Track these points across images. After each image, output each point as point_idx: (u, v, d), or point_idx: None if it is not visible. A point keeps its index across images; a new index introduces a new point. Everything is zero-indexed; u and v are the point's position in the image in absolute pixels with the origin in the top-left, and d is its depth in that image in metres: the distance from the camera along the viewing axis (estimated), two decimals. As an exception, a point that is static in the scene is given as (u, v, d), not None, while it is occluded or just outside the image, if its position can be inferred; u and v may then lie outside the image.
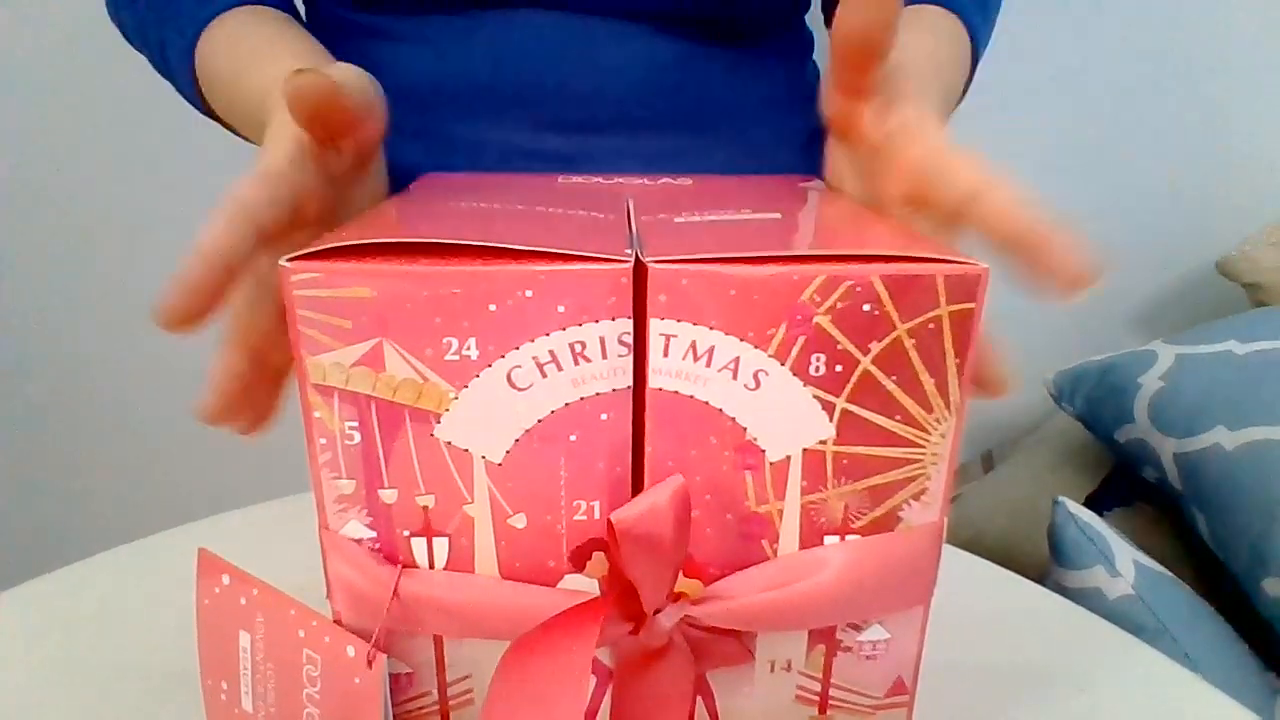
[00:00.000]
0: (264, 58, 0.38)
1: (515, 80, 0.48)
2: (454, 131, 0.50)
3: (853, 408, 0.24)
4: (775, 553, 0.26)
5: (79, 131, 0.91)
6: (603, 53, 0.48)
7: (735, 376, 0.24)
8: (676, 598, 0.26)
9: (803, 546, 0.26)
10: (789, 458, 0.25)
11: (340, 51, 0.52)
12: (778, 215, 0.29)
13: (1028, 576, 0.45)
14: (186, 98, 0.45)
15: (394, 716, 0.28)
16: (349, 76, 0.31)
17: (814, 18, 0.57)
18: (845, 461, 0.25)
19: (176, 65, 0.42)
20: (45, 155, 0.92)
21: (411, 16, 0.49)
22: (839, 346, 0.23)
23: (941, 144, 0.29)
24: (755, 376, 0.24)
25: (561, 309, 0.23)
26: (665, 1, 0.47)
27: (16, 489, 1.09)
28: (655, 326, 0.23)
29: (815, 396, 0.24)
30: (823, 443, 0.25)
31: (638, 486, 0.25)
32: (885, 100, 0.30)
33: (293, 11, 0.44)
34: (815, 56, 0.59)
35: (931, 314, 0.23)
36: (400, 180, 0.39)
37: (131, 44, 0.48)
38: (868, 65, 0.29)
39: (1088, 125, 0.95)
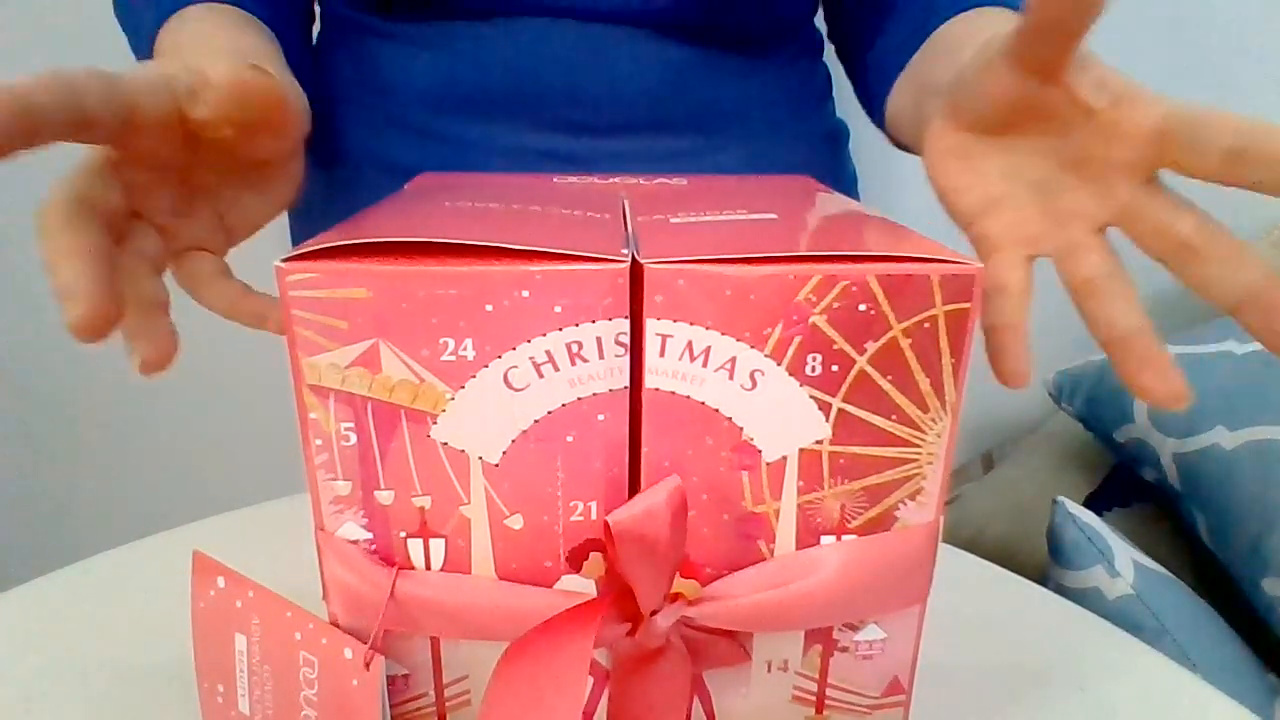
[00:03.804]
0: (199, 45, 0.37)
1: (526, 84, 0.48)
2: (465, 133, 0.50)
3: (849, 407, 0.24)
4: (772, 553, 0.26)
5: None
6: (613, 57, 0.48)
7: (732, 376, 0.24)
8: (673, 598, 0.26)
9: (799, 546, 0.26)
10: (785, 458, 0.25)
11: (353, 52, 0.52)
12: (773, 215, 0.29)
13: (1028, 576, 0.45)
14: None
15: (391, 718, 0.28)
16: (288, 84, 0.32)
17: (822, 20, 0.57)
18: (841, 461, 0.25)
19: (144, 52, 0.42)
20: (43, 154, 0.92)
21: (423, 22, 0.49)
22: (835, 346, 0.23)
23: (1178, 102, 0.27)
24: (752, 376, 0.24)
25: (558, 309, 0.23)
26: (673, 11, 0.47)
27: (16, 489, 1.09)
28: (652, 327, 0.23)
29: (811, 396, 0.24)
30: (819, 442, 0.25)
31: (634, 487, 0.25)
32: (1082, 67, 0.28)
33: (279, 19, 0.44)
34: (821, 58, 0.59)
35: (927, 314, 0.23)
36: (409, 180, 0.40)
37: (121, 27, 0.47)
38: (1074, 38, 0.26)
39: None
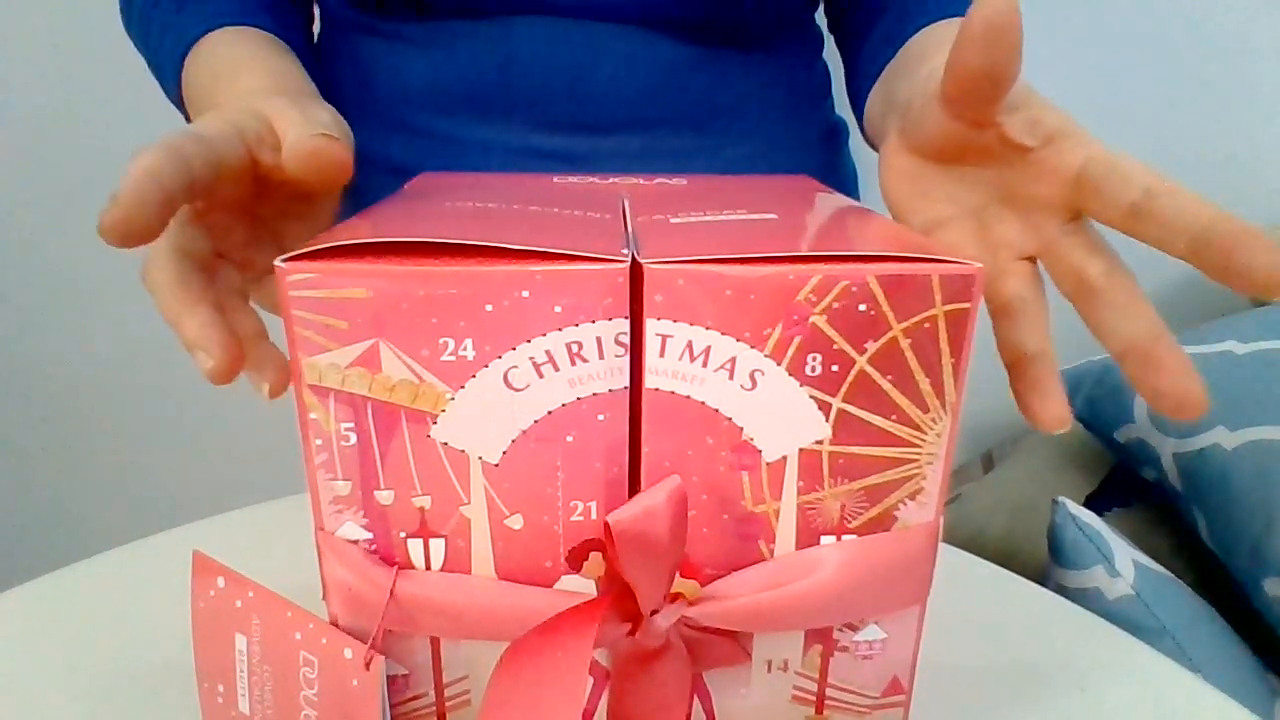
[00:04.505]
0: (238, 73, 0.39)
1: (525, 83, 0.48)
2: (462, 133, 0.50)
3: (849, 408, 0.24)
4: (772, 553, 0.26)
5: (78, 132, 0.91)
6: (611, 55, 0.48)
7: (731, 376, 0.24)
8: (673, 598, 0.26)
9: (799, 546, 0.26)
10: (785, 458, 0.25)
11: (350, 51, 0.52)
12: (773, 215, 0.29)
13: (1028, 576, 0.45)
14: (175, 105, 0.45)
15: (391, 718, 0.28)
16: (342, 132, 0.32)
17: (822, 17, 0.57)
18: (841, 461, 0.25)
19: (168, 75, 0.43)
20: (45, 155, 0.92)
21: (421, 22, 0.49)
22: (835, 346, 0.23)
23: (1105, 149, 0.28)
24: (751, 376, 0.24)
25: (558, 309, 0.23)
26: (672, 8, 0.47)
27: (16, 489, 1.09)
28: (651, 326, 0.23)
29: (811, 396, 0.24)
30: (819, 443, 0.25)
31: (634, 487, 0.25)
32: (1015, 107, 0.29)
33: (289, 29, 0.44)
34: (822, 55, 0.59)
35: (927, 314, 0.23)
36: (406, 180, 0.40)
37: (135, 45, 0.48)
38: (995, 97, 0.28)
39: (1086, 125, 0.95)
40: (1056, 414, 0.28)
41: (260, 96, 0.33)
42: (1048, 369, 0.28)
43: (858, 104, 0.48)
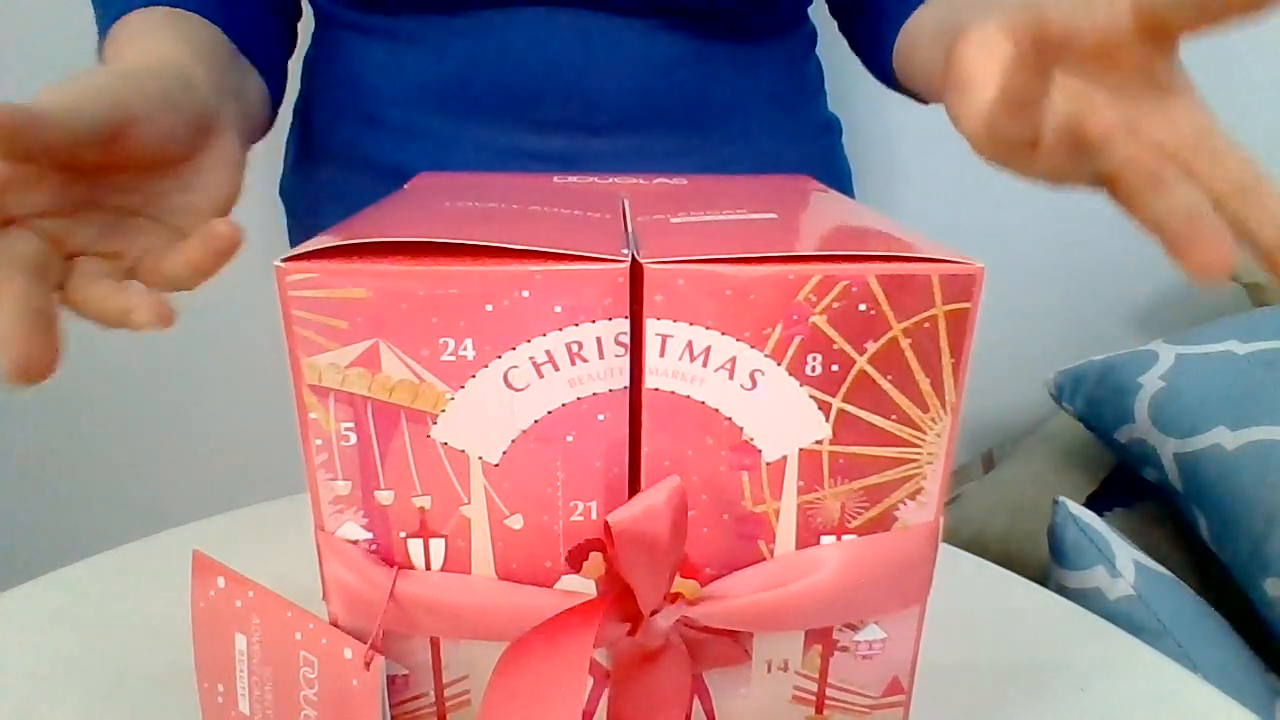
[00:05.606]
0: (117, 57, 0.37)
1: (519, 81, 0.48)
2: (454, 133, 0.50)
3: (849, 407, 0.24)
4: (772, 553, 0.26)
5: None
6: (606, 52, 0.47)
7: (731, 376, 0.24)
8: (673, 598, 0.26)
9: (799, 546, 0.26)
10: (785, 457, 0.25)
11: (338, 49, 0.52)
12: (773, 215, 0.29)
13: (1028, 576, 0.45)
14: None
15: (391, 718, 0.28)
16: (66, 106, 0.29)
17: (816, 11, 0.57)
18: (841, 461, 0.25)
19: (99, 50, 0.42)
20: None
21: (414, 16, 0.49)
22: (835, 346, 0.23)
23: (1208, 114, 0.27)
24: (751, 376, 0.24)
25: (558, 309, 0.23)
26: None
27: (17, 489, 1.09)
28: (651, 326, 0.23)
29: (811, 396, 0.24)
30: (819, 442, 0.25)
31: (634, 487, 0.25)
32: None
33: (227, 10, 0.43)
34: (818, 51, 0.59)
35: (927, 314, 0.23)
36: (402, 180, 0.39)
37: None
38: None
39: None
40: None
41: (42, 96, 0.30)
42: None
43: (883, 41, 0.48)
